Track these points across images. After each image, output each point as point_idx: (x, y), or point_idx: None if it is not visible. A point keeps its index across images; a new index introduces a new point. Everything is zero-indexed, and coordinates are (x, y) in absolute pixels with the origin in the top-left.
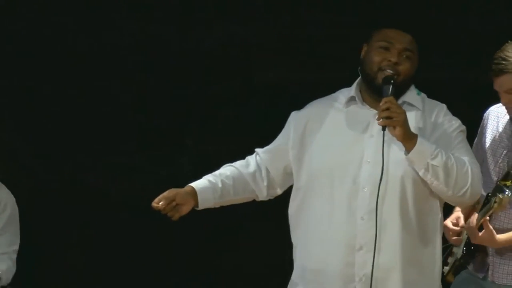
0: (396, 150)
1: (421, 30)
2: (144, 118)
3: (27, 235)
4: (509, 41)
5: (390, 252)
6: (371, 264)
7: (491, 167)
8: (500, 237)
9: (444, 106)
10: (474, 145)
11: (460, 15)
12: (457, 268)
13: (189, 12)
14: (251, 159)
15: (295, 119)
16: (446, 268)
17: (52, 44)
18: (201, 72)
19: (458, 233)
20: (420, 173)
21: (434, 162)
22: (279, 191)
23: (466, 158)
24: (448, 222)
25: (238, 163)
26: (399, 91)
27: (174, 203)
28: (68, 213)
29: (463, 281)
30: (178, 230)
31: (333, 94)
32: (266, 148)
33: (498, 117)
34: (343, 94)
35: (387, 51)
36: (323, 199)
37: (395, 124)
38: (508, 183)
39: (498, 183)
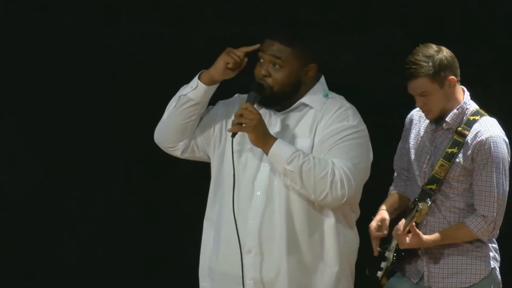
0: None
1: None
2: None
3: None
4: (420, 45)
5: (276, 256)
6: (260, 267)
7: (417, 172)
8: (427, 237)
9: (347, 105)
10: (398, 150)
11: None
12: (390, 272)
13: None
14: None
15: (221, 110)
16: (380, 273)
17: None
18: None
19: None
20: (281, 178)
21: (290, 167)
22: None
23: (336, 160)
24: (373, 228)
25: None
26: (279, 99)
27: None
28: None
29: (397, 280)
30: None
31: (237, 96)
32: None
33: (419, 121)
34: (243, 100)
35: (261, 63)
36: (226, 199)
37: (245, 130)
38: (434, 187)
39: (424, 188)
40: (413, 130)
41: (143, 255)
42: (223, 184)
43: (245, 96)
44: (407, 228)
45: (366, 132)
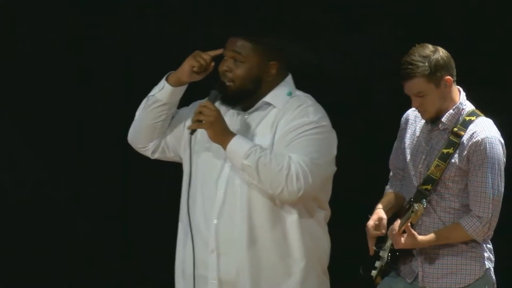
0: None
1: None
2: None
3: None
4: (416, 45)
5: (237, 255)
6: (223, 267)
7: (412, 172)
8: (421, 237)
9: (309, 102)
10: (393, 149)
11: None
12: (384, 272)
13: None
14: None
15: (193, 111)
16: (374, 272)
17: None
18: None
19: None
20: (240, 174)
21: (246, 162)
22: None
23: (293, 155)
24: (370, 226)
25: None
26: (241, 95)
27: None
28: None
29: (391, 279)
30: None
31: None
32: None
33: (415, 121)
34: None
35: (224, 61)
36: (195, 199)
37: (203, 126)
38: (429, 187)
39: (419, 188)
40: (409, 130)
41: (147, 255)
42: (192, 184)
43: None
44: (402, 228)
45: (328, 128)
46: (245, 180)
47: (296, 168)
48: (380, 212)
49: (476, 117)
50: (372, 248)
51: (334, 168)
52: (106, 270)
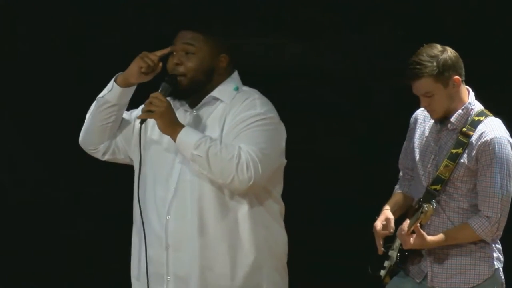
0: None
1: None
2: None
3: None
4: (424, 45)
5: (189, 250)
6: (177, 263)
7: (421, 172)
8: (430, 238)
9: (255, 96)
10: (402, 149)
11: None
12: (393, 271)
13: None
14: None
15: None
16: (383, 272)
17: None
18: None
19: (386, 236)
20: (191, 165)
21: (196, 152)
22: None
23: (242, 144)
24: (378, 226)
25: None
26: (192, 88)
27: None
28: None
29: (399, 279)
30: None
31: None
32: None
33: (424, 120)
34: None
35: (174, 55)
36: (145, 195)
37: (153, 116)
38: (438, 187)
39: (428, 188)
40: (418, 130)
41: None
42: (142, 183)
43: None
44: (411, 229)
45: (276, 120)
46: (195, 174)
47: (246, 157)
48: (387, 213)
49: (485, 117)
50: (380, 248)
51: (284, 160)
52: (106, 270)
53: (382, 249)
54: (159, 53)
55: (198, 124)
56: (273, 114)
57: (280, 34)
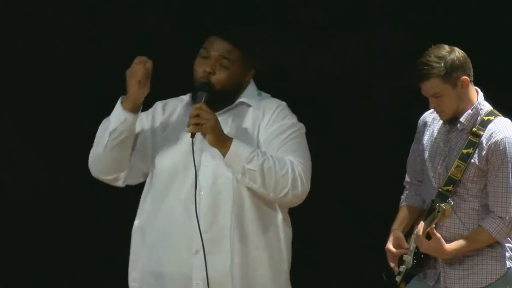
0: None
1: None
2: None
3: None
4: (432, 46)
5: (226, 255)
6: (210, 267)
7: (431, 174)
8: (449, 246)
9: (283, 104)
10: (410, 152)
11: None
12: (408, 276)
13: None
14: None
15: (146, 123)
16: (399, 277)
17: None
18: None
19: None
20: (238, 178)
21: (250, 166)
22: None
23: (290, 157)
24: (390, 247)
25: None
26: (220, 99)
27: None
28: None
29: (415, 283)
30: None
31: (182, 97)
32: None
33: (433, 122)
34: (187, 98)
35: (205, 59)
36: (163, 202)
37: (204, 130)
38: (450, 188)
39: (440, 189)
40: (427, 132)
41: None
42: (160, 186)
43: (168, 101)
44: (427, 230)
45: (304, 129)
46: (230, 179)
47: (299, 171)
48: (396, 233)
49: (494, 117)
50: (396, 268)
51: None
52: (106, 270)
53: (393, 265)
54: (140, 59)
55: (229, 128)
56: (301, 123)
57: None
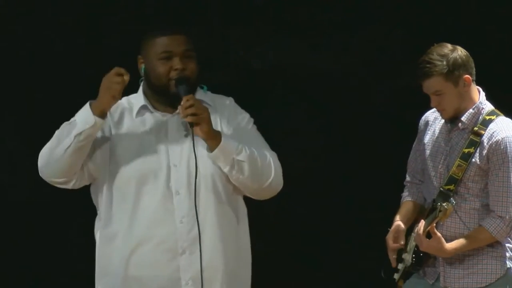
0: (200, 149)
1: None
2: None
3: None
4: (435, 44)
5: (213, 252)
6: (197, 266)
7: (432, 173)
8: (449, 245)
9: (231, 99)
10: (412, 151)
11: None
12: (407, 274)
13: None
14: None
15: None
16: (397, 275)
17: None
18: None
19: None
20: (226, 170)
21: (240, 157)
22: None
23: (264, 150)
24: (389, 239)
25: None
26: (193, 91)
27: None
28: None
29: (414, 281)
30: None
31: (121, 101)
32: None
33: (434, 122)
34: (133, 103)
35: (170, 60)
36: (136, 209)
37: (200, 121)
38: (452, 187)
39: (442, 188)
40: (428, 132)
41: None
42: (129, 191)
43: (125, 99)
44: (427, 229)
45: None
46: (207, 178)
47: (276, 160)
48: (398, 224)
49: (496, 116)
50: (394, 262)
51: None
52: None
53: (394, 256)
54: (117, 71)
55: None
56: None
57: (279, 34)
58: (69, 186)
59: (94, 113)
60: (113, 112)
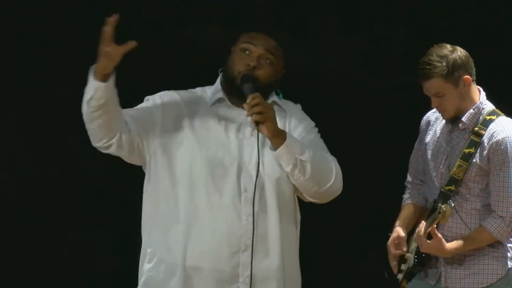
0: (268, 150)
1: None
2: None
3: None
4: (434, 45)
5: (272, 253)
6: (256, 264)
7: (433, 173)
8: (449, 245)
9: (299, 106)
10: (413, 151)
11: None
12: (410, 275)
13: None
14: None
15: (167, 101)
16: (400, 275)
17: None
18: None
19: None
20: (288, 169)
21: (303, 157)
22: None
23: (326, 154)
24: (391, 246)
25: None
26: (261, 94)
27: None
28: None
29: (416, 282)
30: None
31: (195, 90)
32: (133, 113)
33: (435, 122)
34: (207, 94)
35: (248, 55)
36: (203, 198)
37: (266, 119)
38: (452, 187)
39: (443, 189)
40: (430, 132)
41: None
42: (196, 182)
43: (185, 93)
44: (428, 230)
45: None
46: (272, 180)
47: (338, 166)
48: (398, 231)
49: (496, 116)
50: (395, 268)
51: None
52: (106, 270)
53: (395, 263)
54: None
55: None
56: None
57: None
58: (112, 151)
59: (95, 77)
60: (188, 101)
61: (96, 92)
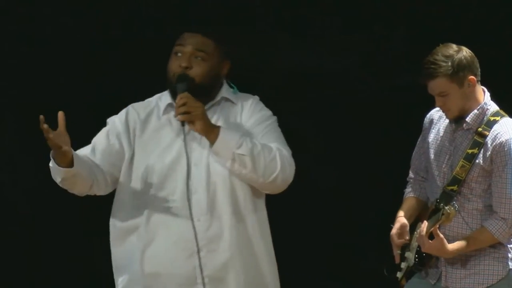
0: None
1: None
2: None
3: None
4: (440, 45)
5: (227, 251)
6: (214, 265)
7: (436, 172)
8: (451, 246)
9: (256, 97)
10: (416, 149)
11: None
12: (410, 273)
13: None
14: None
15: (124, 119)
16: (400, 274)
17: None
18: None
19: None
20: (227, 164)
21: (240, 151)
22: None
23: (274, 144)
24: (394, 235)
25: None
26: (200, 92)
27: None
28: None
29: (416, 281)
30: None
31: (152, 99)
32: (95, 147)
33: (439, 120)
34: (161, 101)
35: (180, 56)
36: (156, 206)
37: (193, 118)
38: (455, 187)
39: (445, 188)
40: (433, 130)
41: None
42: (146, 188)
43: (138, 104)
44: (430, 231)
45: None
46: (225, 178)
47: (286, 156)
48: (402, 220)
49: (500, 117)
50: (398, 257)
51: None
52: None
53: (398, 251)
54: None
55: (215, 122)
56: (274, 115)
57: (280, 34)
58: (102, 192)
59: (60, 165)
60: (141, 111)
61: (66, 175)
